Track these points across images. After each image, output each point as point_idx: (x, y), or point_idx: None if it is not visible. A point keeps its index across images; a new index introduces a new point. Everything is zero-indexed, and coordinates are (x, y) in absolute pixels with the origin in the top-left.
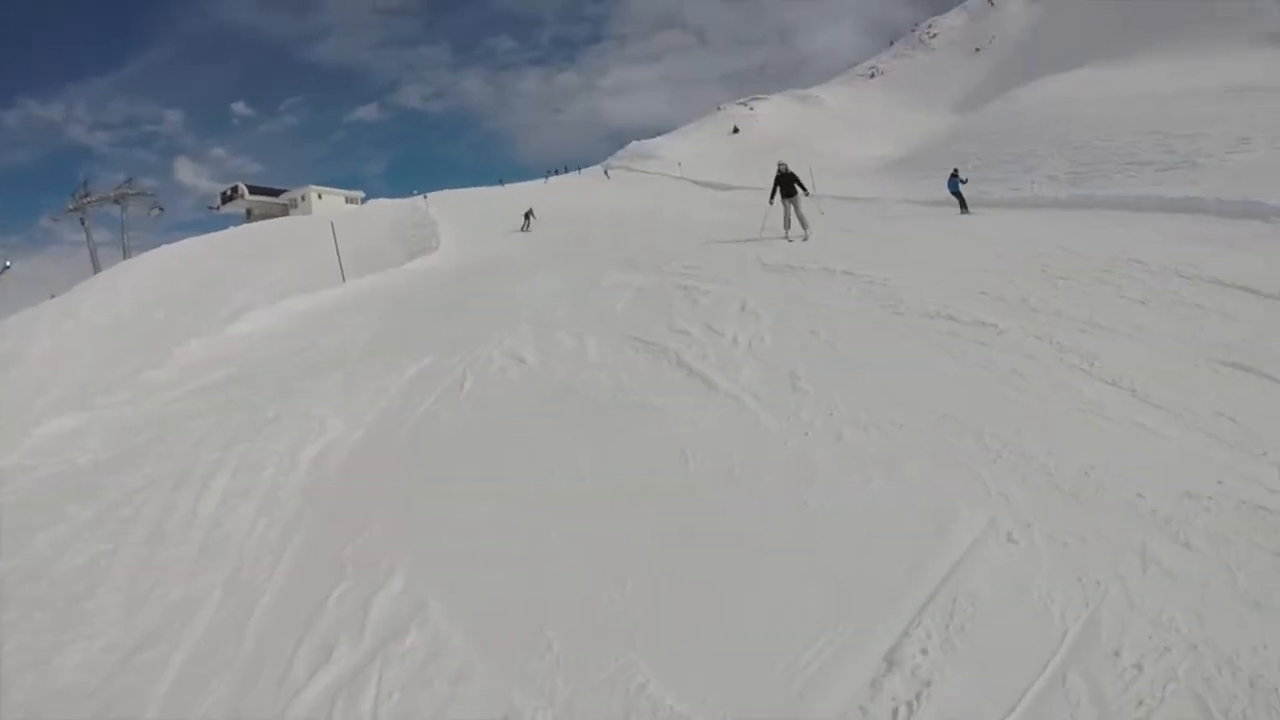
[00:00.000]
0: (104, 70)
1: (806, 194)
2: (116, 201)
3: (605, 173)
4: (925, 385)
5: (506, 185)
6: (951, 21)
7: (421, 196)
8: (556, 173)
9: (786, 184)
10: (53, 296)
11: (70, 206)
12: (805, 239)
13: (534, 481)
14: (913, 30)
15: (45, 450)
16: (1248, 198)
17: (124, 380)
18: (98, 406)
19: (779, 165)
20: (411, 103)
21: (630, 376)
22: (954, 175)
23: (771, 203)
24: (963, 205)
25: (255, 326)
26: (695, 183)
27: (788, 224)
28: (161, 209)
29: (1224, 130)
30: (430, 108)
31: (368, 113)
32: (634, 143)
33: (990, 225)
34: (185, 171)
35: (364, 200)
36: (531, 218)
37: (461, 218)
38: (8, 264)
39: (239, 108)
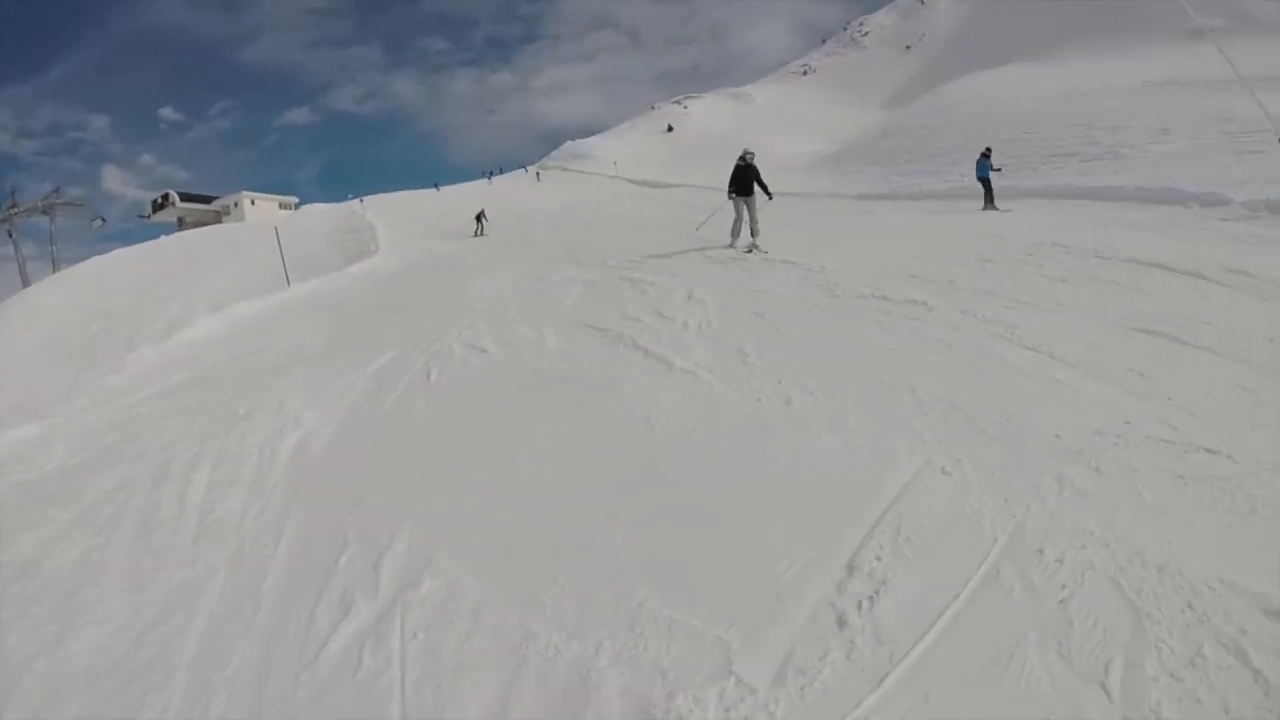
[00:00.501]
0: (27, 75)
1: (769, 196)
2: (45, 212)
3: (537, 175)
4: (863, 356)
5: (442, 189)
6: (882, 20)
7: (358, 200)
8: (495, 173)
9: (744, 180)
10: None
11: None
12: (752, 250)
13: (516, 452)
14: (844, 28)
15: (6, 459)
16: (1165, 185)
17: (76, 388)
18: (55, 415)
19: (743, 154)
20: (344, 105)
21: (590, 360)
22: (984, 156)
23: (730, 197)
24: (988, 197)
25: (205, 332)
26: (631, 181)
27: (736, 231)
28: (103, 219)
29: (1145, 123)
30: (363, 110)
31: (299, 115)
32: (569, 143)
33: (919, 217)
34: (113, 179)
35: (298, 206)
36: (484, 220)
37: (399, 221)
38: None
39: (167, 113)
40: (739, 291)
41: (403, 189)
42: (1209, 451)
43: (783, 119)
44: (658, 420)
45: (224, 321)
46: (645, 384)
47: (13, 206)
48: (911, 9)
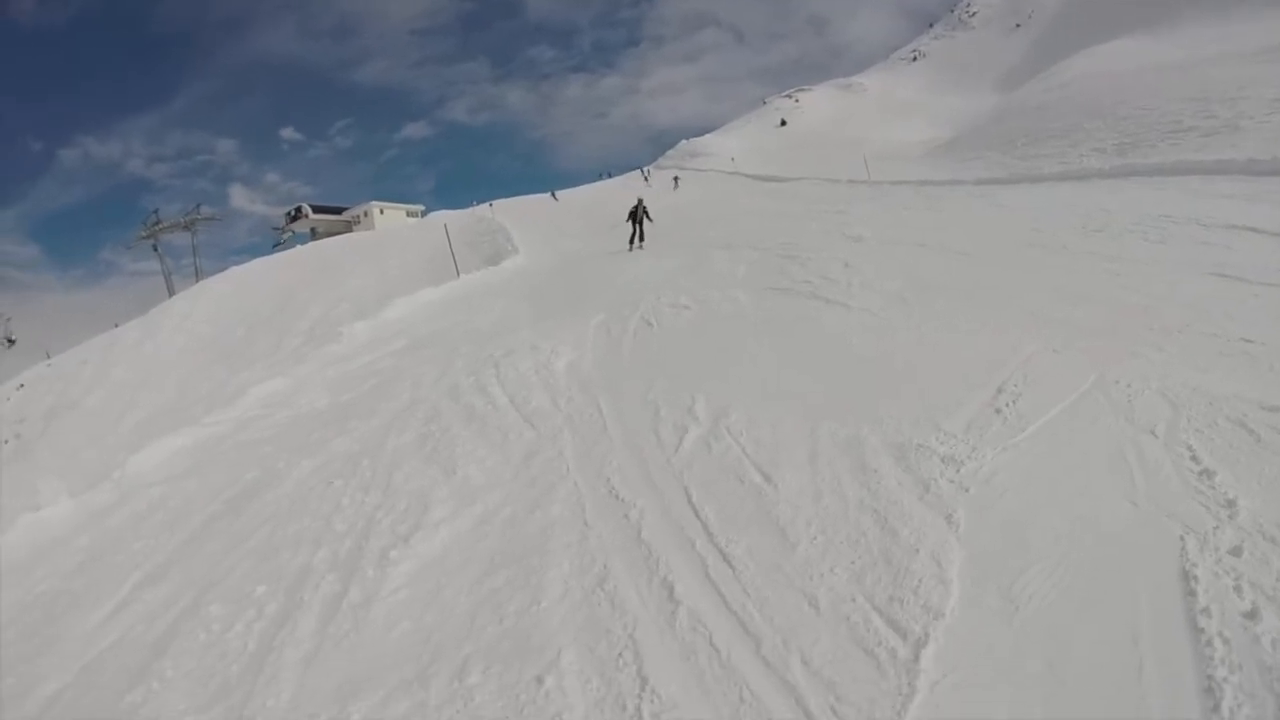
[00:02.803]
0: (154, 105)
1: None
2: (187, 228)
3: (675, 181)
4: (995, 295)
5: (560, 196)
6: None
7: (487, 205)
8: (606, 176)
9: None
10: (115, 325)
11: (143, 234)
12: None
13: (752, 356)
14: (951, 10)
15: (267, 405)
16: (1276, 156)
17: (297, 354)
18: (291, 373)
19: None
20: (458, 116)
21: (782, 308)
22: None
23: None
24: None
25: (403, 312)
26: (749, 176)
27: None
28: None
29: (1262, 93)
30: (476, 120)
31: (417, 129)
32: (684, 141)
33: (1038, 196)
34: (240, 198)
35: (424, 213)
36: (643, 220)
37: (526, 224)
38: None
39: (288, 133)
40: (887, 260)
41: (517, 195)
42: (1245, 340)
43: (894, 107)
44: (850, 337)
45: (414, 305)
46: (833, 319)
47: (157, 223)
48: None
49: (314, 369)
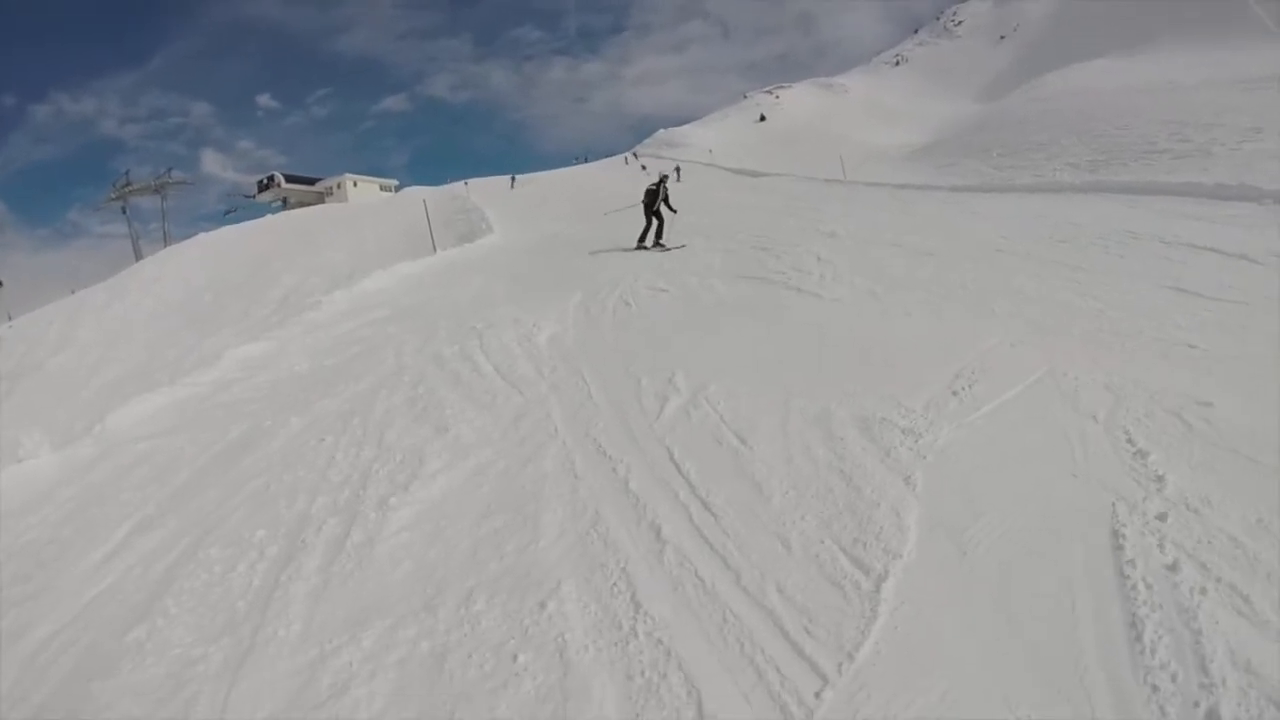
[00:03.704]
0: (131, 64)
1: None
2: (157, 191)
3: (625, 160)
4: (961, 293)
5: (518, 181)
6: (976, 8)
7: (463, 184)
8: (582, 160)
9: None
10: (72, 291)
11: (112, 196)
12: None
13: (728, 337)
14: (937, 18)
15: (247, 368)
16: (1243, 182)
17: (269, 321)
18: (268, 338)
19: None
20: (439, 92)
21: (757, 296)
22: None
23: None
24: None
25: (382, 284)
26: (726, 169)
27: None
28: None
29: (1237, 121)
30: (456, 98)
31: (396, 103)
32: (661, 130)
33: (1010, 205)
34: (212, 163)
35: (398, 188)
36: (661, 210)
37: (500, 203)
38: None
39: (264, 100)
40: (859, 257)
41: (494, 175)
42: (1189, 345)
43: (875, 109)
44: (821, 324)
45: (393, 277)
46: (805, 308)
47: (127, 185)
48: None
49: (294, 334)
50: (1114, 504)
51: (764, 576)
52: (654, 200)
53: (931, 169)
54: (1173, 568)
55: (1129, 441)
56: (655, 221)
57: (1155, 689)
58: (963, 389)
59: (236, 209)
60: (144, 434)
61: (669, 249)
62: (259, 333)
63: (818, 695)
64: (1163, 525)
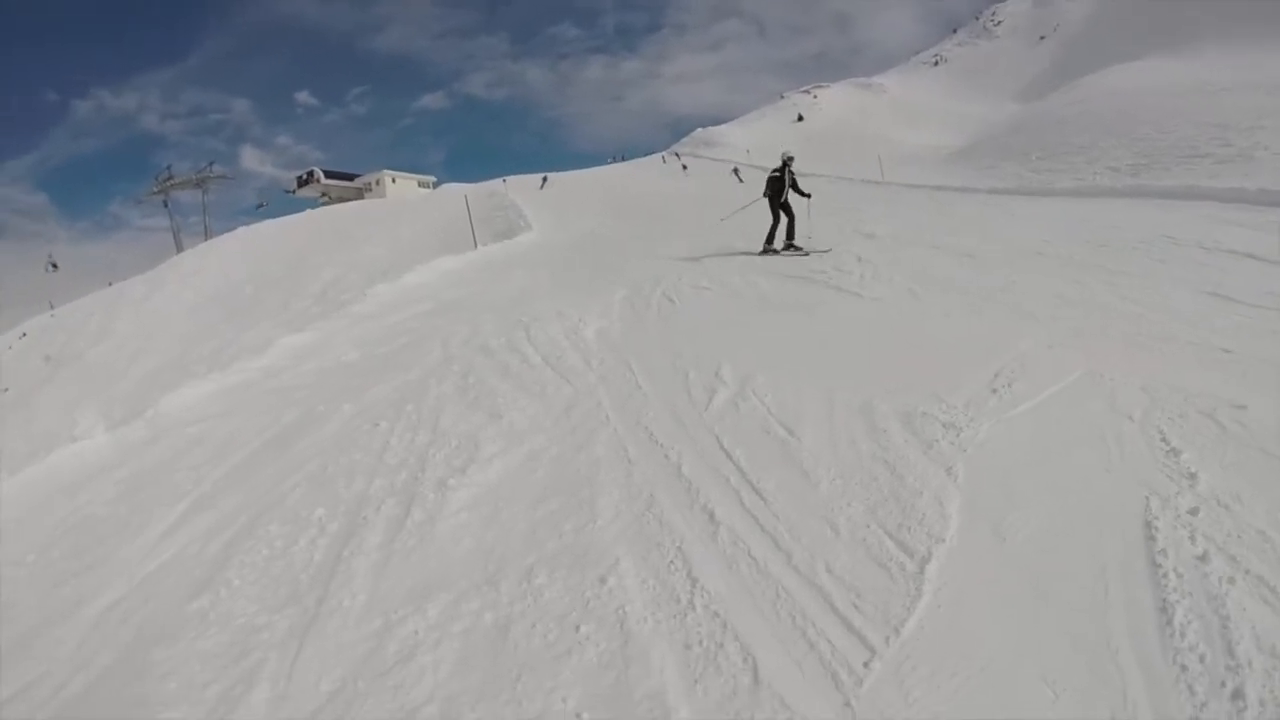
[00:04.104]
0: (171, 60)
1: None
2: (198, 185)
3: (663, 159)
4: (999, 296)
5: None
6: (1015, 8)
7: (501, 181)
8: (619, 159)
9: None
10: (109, 284)
11: (155, 189)
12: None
13: (773, 331)
14: (976, 18)
15: (296, 356)
16: None
17: (311, 313)
18: (311, 329)
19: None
20: (476, 90)
21: (800, 293)
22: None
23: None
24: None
25: (424, 278)
26: (764, 169)
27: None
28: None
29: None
30: (493, 95)
31: (434, 100)
32: (699, 130)
33: (1050, 208)
34: (251, 159)
35: (436, 185)
36: (787, 201)
37: (539, 200)
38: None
39: (303, 97)
40: (899, 257)
41: (526, 174)
42: (1225, 350)
43: (913, 110)
44: (863, 322)
45: (434, 273)
46: (846, 305)
47: (169, 179)
48: None
49: (340, 326)
50: (1147, 498)
51: (814, 557)
52: (780, 190)
53: (971, 171)
54: (1203, 559)
55: (1163, 440)
56: (785, 216)
57: (1184, 669)
58: (1002, 387)
59: (266, 203)
60: (195, 418)
61: (806, 252)
62: (304, 324)
63: (866, 665)
64: (1194, 519)
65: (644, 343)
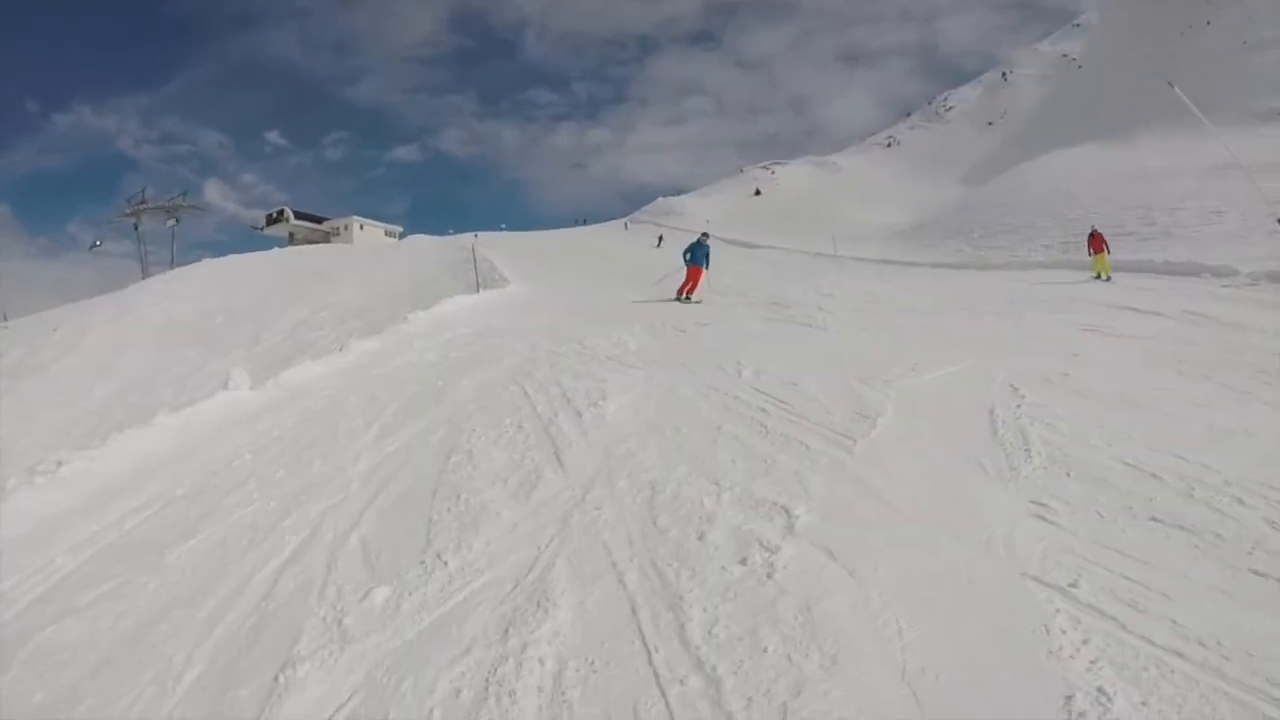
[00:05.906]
0: (151, 84)
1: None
2: (170, 211)
3: (625, 225)
4: (933, 331)
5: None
6: (966, 95)
7: (473, 235)
8: (582, 223)
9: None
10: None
11: (126, 212)
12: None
13: (767, 348)
14: (929, 102)
15: (370, 360)
16: (1188, 259)
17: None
18: (384, 336)
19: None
20: (450, 146)
21: (782, 328)
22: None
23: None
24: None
25: (453, 309)
26: (724, 240)
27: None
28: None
29: (1201, 205)
30: (464, 152)
31: (407, 152)
32: (660, 199)
33: (985, 278)
34: (215, 193)
35: (401, 235)
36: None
37: (512, 258)
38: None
39: (273, 136)
40: (853, 309)
41: (487, 231)
42: (1073, 355)
43: (867, 188)
44: (829, 343)
45: (457, 307)
46: (815, 336)
47: (142, 202)
48: (995, 86)
49: (398, 340)
50: (994, 407)
51: (822, 416)
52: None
53: (917, 247)
54: (1018, 417)
55: (1013, 387)
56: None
57: (1007, 452)
58: (916, 369)
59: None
60: (319, 389)
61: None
62: (368, 332)
63: (854, 443)
64: (1019, 409)
65: (676, 352)
